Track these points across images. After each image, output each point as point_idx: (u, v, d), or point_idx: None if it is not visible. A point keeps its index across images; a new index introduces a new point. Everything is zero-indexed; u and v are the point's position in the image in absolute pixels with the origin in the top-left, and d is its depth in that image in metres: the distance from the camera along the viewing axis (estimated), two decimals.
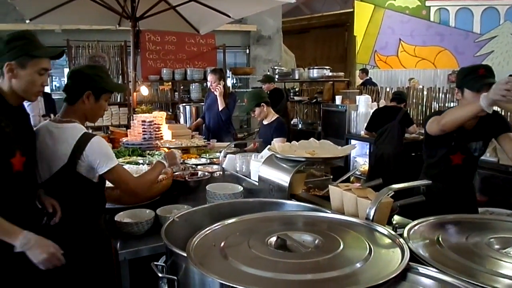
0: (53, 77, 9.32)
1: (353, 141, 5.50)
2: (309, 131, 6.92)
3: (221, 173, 2.86)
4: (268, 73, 7.68)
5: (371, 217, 1.47)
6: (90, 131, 1.96)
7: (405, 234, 1.37)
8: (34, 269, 1.57)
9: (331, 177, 2.83)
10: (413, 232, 1.41)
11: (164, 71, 6.64)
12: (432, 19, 12.63)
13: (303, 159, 2.01)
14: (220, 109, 4.43)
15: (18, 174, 1.62)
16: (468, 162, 2.47)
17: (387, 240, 1.30)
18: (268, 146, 2.66)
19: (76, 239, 1.79)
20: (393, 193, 1.62)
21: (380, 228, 1.37)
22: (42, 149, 1.80)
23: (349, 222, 1.48)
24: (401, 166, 4.54)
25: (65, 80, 9.43)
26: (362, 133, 5.40)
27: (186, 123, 5.88)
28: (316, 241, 1.29)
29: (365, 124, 5.24)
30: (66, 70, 9.46)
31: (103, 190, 2.00)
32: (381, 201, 1.51)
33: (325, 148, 2.26)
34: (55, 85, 9.88)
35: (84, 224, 1.85)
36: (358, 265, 1.13)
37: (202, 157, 3.56)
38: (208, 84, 4.64)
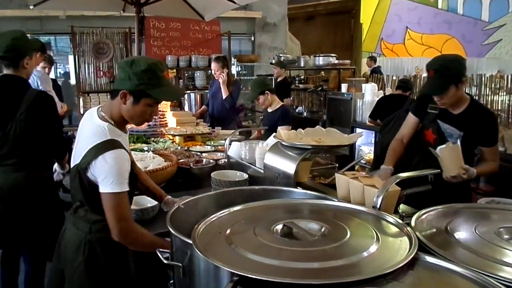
0: (58, 64, 9.31)
1: (358, 130, 5.46)
2: (314, 119, 6.87)
3: (226, 160, 2.85)
4: (273, 60, 7.61)
5: (378, 206, 1.46)
6: None
7: (412, 223, 1.35)
8: None
9: (337, 165, 2.81)
10: (421, 221, 1.40)
11: (169, 58, 6.57)
12: (440, 6, 12.48)
13: (309, 147, 1.99)
14: (224, 97, 4.40)
15: None
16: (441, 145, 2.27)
17: (395, 229, 1.29)
18: (274, 133, 2.64)
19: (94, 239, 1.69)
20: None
21: (387, 217, 1.35)
22: (80, 132, 1.71)
23: (355, 210, 1.46)
24: (407, 155, 4.50)
25: (69, 67, 9.39)
26: (368, 121, 5.35)
27: (190, 110, 5.87)
28: (323, 229, 1.27)
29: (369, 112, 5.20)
30: (71, 57, 9.44)
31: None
32: (388, 190, 1.49)
33: (331, 136, 2.24)
34: (60, 72, 9.88)
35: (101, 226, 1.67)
36: (365, 254, 1.11)
37: (207, 145, 3.55)
38: (212, 72, 4.60)
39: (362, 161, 5.37)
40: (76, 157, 1.64)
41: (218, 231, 1.26)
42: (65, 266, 1.72)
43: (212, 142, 3.66)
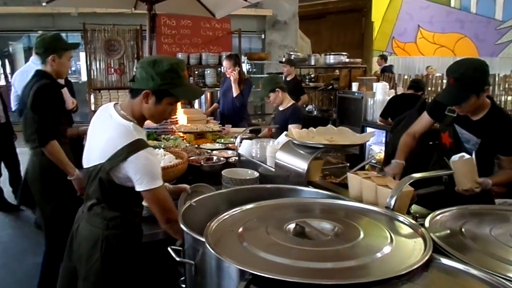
0: None
1: (369, 129, 5.43)
2: (324, 118, 6.85)
3: (236, 158, 2.85)
4: (284, 59, 7.59)
5: (391, 206, 1.44)
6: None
7: (426, 224, 1.34)
8: None
9: (348, 164, 2.80)
10: (435, 222, 1.38)
11: (179, 55, 6.58)
12: (452, 5, 12.33)
13: (321, 146, 1.98)
14: (234, 95, 4.40)
15: (63, 125, 2.70)
16: (456, 152, 2.16)
17: (408, 230, 1.28)
18: (285, 132, 2.63)
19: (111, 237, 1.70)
20: None
21: (401, 217, 1.34)
22: (95, 129, 1.71)
23: (368, 210, 1.45)
24: (418, 155, 4.46)
25: (80, 64, 9.47)
26: (378, 120, 5.31)
27: (200, 108, 5.87)
28: (336, 229, 1.27)
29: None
30: (82, 54, 9.51)
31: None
32: (402, 190, 1.48)
33: (343, 135, 2.23)
34: (71, 69, 9.97)
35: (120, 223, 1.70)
36: (379, 254, 1.10)
37: (217, 142, 3.55)
38: (223, 69, 4.60)
39: (372, 160, 5.34)
40: (96, 156, 1.63)
41: (230, 229, 1.26)
42: (79, 264, 1.73)
43: (222, 140, 3.66)
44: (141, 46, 6.73)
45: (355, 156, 5.29)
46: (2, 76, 9.98)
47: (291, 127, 3.37)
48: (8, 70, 10.28)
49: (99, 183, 1.63)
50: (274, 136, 3.36)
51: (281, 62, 6.72)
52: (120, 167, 1.56)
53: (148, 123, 3.46)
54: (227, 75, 4.50)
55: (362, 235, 1.21)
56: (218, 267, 1.18)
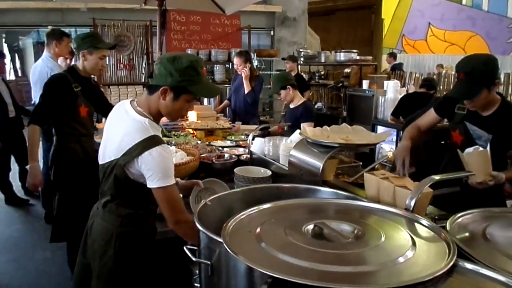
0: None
1: (379, 127, 5.37)
2: (334, 115, 6.79)
3: (248, 156, 2.82)
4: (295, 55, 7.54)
5: (411, 208, 1.41)
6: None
7: (448, 227, 1.31)
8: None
9: (361, 163, 2.76)
10: (456, 225, 1.35)
11: (189, 51, 6.58)
12: (464, 2, 12.18)
13: (336, 145, 1.94)
14: (246, 92, 4.37)
15: (83, 119, 2.76)
16: (469, 147, 2.14)
17: (430, 233, 1.24)
18: (297, 130, 2.60)
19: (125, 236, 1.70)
20: None
21: (422, 220, 1.30)
22: (111, 126, 1.70)
23: (388, 212, 1.42)
24: (430, 154, 4.41)
25: None
26: (390, 119, 5.26)
27: (210, 104, 5.84)
28: (355, 231, 1.24)
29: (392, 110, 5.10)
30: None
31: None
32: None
33: (358, 134, 2.19)
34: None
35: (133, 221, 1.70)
36: (401, 259, 1.07)
37: (228, 139, 3.53)
38: (235, 66, 4.58)
39: (383, 160, 5.29)
40: (112, 152, 1.62)
41: (247, 230, 1.24)
42: (93, 260, 1.72)
43: (232, 137, 3.64)
44: (150, 42, 6.72)
45: (364, 155, 5.21)
46: (12, 70, 10.04)
47: (303, 125, 3.34)
48: (17, 65, 10.34)
49: (114, 179, 1.62)
50: (285, 134, 3.34)
51: (283, 58, 6.68)
52: (134, 162, 1.55)
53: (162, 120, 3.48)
54: (238, 72, 4.47)
55: (383, 238, 1.18)
56: (236, 269, 1.16)
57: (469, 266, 1.08)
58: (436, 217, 1.52)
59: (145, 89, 1.65)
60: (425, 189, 1.49)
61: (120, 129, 1.63)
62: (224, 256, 1.20)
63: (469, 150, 1.97)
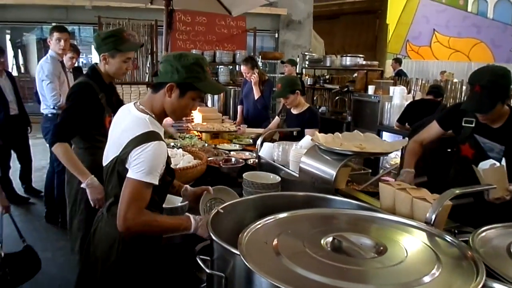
0: (80, 53, 9.37)
1: (385, 134, 5.33)
2: (338, 120, 6.75)
3: (255, 160, 2.78)
4: (298, 59, 7.51)
5: (431, 221, 1.36)
6: None
7: (471, 243, 1.26)
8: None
9: (370, 171, 2.72)
10: (480, 240, 1.30)
11: (193, 52, 6.54)
12: (469, 9, 12.16)
13: (350, 153, 1.90)
14: (256, 98, 4.35)
15: (107, 130, 2.10)
16: (481, 160, 2.11)
17: (455, 249, 1.19)
18: (308, 136, 2.56)
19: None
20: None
21: (446, 236, 1.25)
22: (115, 127, 1.67)
23: (409, 225, 1.36)
24: (436, 162, 4.37)
25: (92, 57, 9.47)
26: (395, 125, 5.22)
27: (213, 106, 5.81)
28: (377, 246, 1.18)
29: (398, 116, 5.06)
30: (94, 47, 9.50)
31: (163, 193, 1.74)
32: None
33: (371, 142, 2.14)
34: (82, 62, 9.94)
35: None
36: (427, 278, 1.02)
37: (234, 143, 3.48)
38: (241, 69, 4.53)
39: (386, 165, 5.25)
40: (113, 150, 1.60)
41: (264, 241, 1.19)
42: (96, 265, 1.67)
43: (237, 140, 3.59)
44: (155, 41, 6.68)
45: (368, 161, 5.18)
46: (15, 67, 10.00)
47: (308, 131, 3.29)
48: (20, 61, 10.30)
49: (117, 178, 1.58)
50: (285, 138, 3.28)
51: (282, 62, 6.66)
52: (130, 156, 1.50)
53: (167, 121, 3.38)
54: (247, 79, 4.44)
55: (406, 254, 1.12)
56: (253, 283, 1.11)
57: (498, 286, 1.03)
58: (456, 230, 1.47)
59: (149, 88, 1.62)
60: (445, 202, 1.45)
61: (121, 126, 1.61)
62: (240, 269, 1.15)
63: (485, 165, 1.92)
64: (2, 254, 2.50)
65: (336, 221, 1.40)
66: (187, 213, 1.64)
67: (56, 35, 3.81)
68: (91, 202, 2.28)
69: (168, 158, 1.74)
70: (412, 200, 1.54)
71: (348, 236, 1.22)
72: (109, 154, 1.63)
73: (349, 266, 1.07)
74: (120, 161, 1.54)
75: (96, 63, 2.43)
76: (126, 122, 1.60)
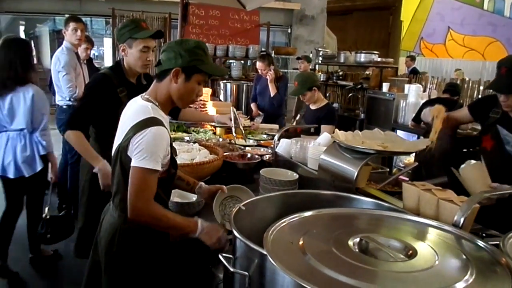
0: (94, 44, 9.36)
1: (399, 132, 5.26)
2: (351, 117, 6.68)
3: (271, 156, 2.75)
4: (311, 54, 7.43)
5: (460, 224, 1.32)
6: None
7: (502, 247, 1.22)
8: None
9: (388, 170, 2.68)
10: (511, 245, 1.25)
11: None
12: (485, 7, 11.94)
13: (373, 152, 1.86)
14: (272, 95, 4.31)
15: None
16: (498, 154, 2.17)
17: (485, 254, 1.15)
18: (325, 132, 2.52)
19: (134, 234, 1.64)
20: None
21: (477, 240, 1.21)
22: (122, 118, 1.67)
23: (435, 227, 1.33)
24: (452, 162, 4.30)
25: (103, 49, 9.45)
26: (410, 124, 5.15)
27: (226, 100, 5.78)
28: (406, 249, 1.15)
29: (413, 115, 4.98)
30: (106, 40, 9.49)
31: (168, 186, 1.74)
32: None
33: (391, 141, 2.10)
34: (94, 54, 9.94)
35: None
36: (460, 284, 0.97)
37: (248, 138, 3.45)
38: (259, 71, 4.48)
39: (400, 164, 5.19)
40: (118, 139, 1.61)
41: (289, 241, 1.16)
42: (101, 256, 1.68)
43: (252, 136, 3.56)
44: (168, 34, 6.66)
45: (383, 159, 5.14)
46: None
47: (324, 127, 3.25)
48: (33, 52, 10.34)
49: (120, 167, 1.58)
50: (302, 134, 3.26)
51: (298, 58, 6.59)
52: (131, 143, 1.50)
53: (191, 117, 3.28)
54: (264, 76, 4.40)
55: (437, 258, 1.09)
56: (278, 283, 1.09)
57: None
58: (484, 234, 1.43)
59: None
60: None
61: (125, 116, 1.62)
62: (265, 269, 1.12)
63: (463, 165, 1.96)
64: (48, 216, 2.94)
65: (361, 221, 1.37)
66: (196, 217, 1.64)
67: (72, 25, 3.81)
68: (101, 186, 2.28)
69: (174, 149, 1.76)
70: (438, 201, 1.50)
71: (376, 237, 1.19)
72: (115, 144, 1.64)
73: (378, 268, 1.04)
74: (123, 149, 1.55)
75: (123, 58, 2.40)
76: (130, 111, 1.62)
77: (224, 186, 1.91)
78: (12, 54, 2.82)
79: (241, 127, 3.22)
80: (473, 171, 1.91)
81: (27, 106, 2.85)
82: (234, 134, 3.20)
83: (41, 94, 2.94)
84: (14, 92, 2.84)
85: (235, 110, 3.24)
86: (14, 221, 3.12)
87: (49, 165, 3.08)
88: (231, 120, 3.04)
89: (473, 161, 1.95)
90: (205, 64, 1.60)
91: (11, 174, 2.92)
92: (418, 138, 4.99)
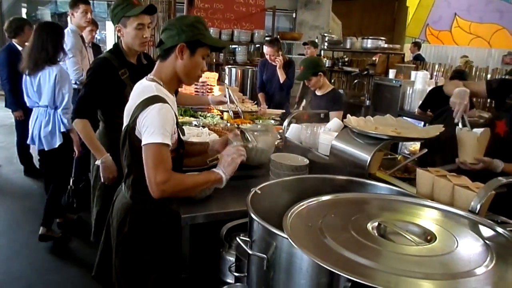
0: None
1: (406, 119, 5.24)
2: (356, 103, 6.65)
3: (280, 142, 2.74)
4: (317, 40, 7.36)
5: (476, 210, 1.33)
6: None
7: None
8: None
9: (397, 156, 2.68)
10: None
11: (211, 30, 6.44)
12: None
13: (386, 137, 1.85)
14: (281, 81, 4.28)
15: None
16: (509, 139, 2.12)
17: (504, 240, 1.16)
18: (335, 118, 2.51)
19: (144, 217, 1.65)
20: None
21: (496, 226, 1.21)
22: (129, 100, 1.66)
23: (454, 213, 1.33)
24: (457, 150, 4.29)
25: (106, 33, 9.38)
26: (417, 112, 5.12)
27: (231, 85, 5.75)
28: (425, 233, 1.15)
29: (420, 102, 4.95)
30: (108, 23, 9.40)
31: (179, 167, 1.70)
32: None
33: (403, 127, 2.09)
34: (96, 38, 9.85)
35: (151, 203, 1.59)
36: (481, 269, 0.98)
37: (256, 124, 3.44)
38: (266, 56, 4.43)
39: (405, 151, 5.17)
40: (126, 121, 1.62)
41: (308, 224, 1.16)
42: (113, 238, 1.70)
43: (260, 121, 3.55)
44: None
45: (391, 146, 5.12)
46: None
47: (333, 113, 3.24)
48: (65, 37, 10.24)
49: (129, 147, 1.58)
50: (310, 120, 3.24)
51: (304, 43, 6.54)
52: (138, 122, 1.51)
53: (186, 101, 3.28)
54: (272, 62, 4.35)
55: (457, 244, 1.09)
56: (297, 265, 1.09)
57: None
58: (498, 220, 1.43)
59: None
60: None
61: (131, 98, 1.63)
62: (283, 251, 1.13)
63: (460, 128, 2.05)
64: (73, 187, 3.29)
65: (378, 206, 1.37)
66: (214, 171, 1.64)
67: (82, 7, 3.78)
68: (102, 179, 2.31)
69: (182, 129, 1.77)
70: (453, 187, 1.51)
71: (395, 222, 1.19)
72: (124, 125, 1.64)
73: (399, 252, 1.05)
74: (131, 129, 1.55)
75: (121, 40, 2.35)
76: (135, 93, 1.62)
77: (231, 133, 1.99)
78: (44, 36, 3.09)
79: (236, 103, 3.26)
80: (465, 138, 2.01)
81: (51, 84, 3.11)
82: (230, 111, 3.25)
83: (64, 74, 3.19)
84: (43, 71, 3.13)
85: (229, 87, 3.27)
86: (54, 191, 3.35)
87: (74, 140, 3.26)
88: (225, 97, 3.05)
89: (468, 128, 2.02)
90: (207, 37, 1.61)
91: (36, 146, 3.30)
92: (424, 125, 4.98)
